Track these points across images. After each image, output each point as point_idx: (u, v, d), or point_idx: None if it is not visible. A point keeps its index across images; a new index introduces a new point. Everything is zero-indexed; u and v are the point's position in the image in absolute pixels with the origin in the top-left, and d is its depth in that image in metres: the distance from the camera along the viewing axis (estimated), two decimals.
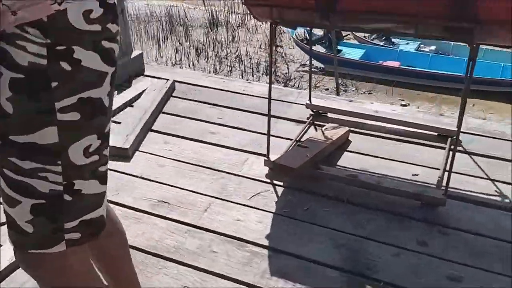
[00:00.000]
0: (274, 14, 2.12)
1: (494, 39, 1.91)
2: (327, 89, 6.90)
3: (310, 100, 2.93)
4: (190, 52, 7.87)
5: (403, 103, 6.67)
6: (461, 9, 1.75)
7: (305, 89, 5.50)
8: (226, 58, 7.69)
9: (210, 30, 8.72)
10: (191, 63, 7.47)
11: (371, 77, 7.37)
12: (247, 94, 3.23)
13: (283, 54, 7.84)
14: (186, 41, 8.31)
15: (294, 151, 2.44)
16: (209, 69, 7.27)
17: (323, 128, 2.69)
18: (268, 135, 2.39)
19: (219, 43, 8.19)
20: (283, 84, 6.69)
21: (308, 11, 2.02)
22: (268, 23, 2.20)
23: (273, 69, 7.42)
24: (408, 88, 7.23)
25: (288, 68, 7.43)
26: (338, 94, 5.82)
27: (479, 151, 2.58)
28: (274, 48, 2.03)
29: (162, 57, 7.75)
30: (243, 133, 2.81)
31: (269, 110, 2.37)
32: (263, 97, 3.18)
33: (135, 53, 3.52)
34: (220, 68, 7.34)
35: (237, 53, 7.81)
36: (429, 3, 1.79)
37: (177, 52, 7.83)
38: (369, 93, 7.03)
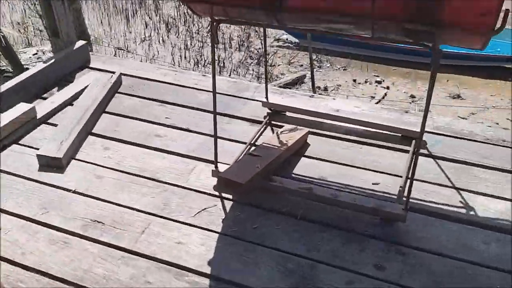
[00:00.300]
0: (216, 12, 1.86)
1: (458, 43, 1.70)
2: (301, 65, 6.68)
3: (266, 97, 2.70)
4: (160, 27, 7.50)
5: (378, 79, 6.50)
6: (423, 11, 1.52)
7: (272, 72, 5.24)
8: (198, 33, 7.36)
9: (181, 4, 8.32)
10: (161, 38, 7.12)
11: (346, 53, 7.16)
12: (201, 89, 2.98)
13: (256, 28, 7.52)
14: (156, 15, 7.92)
15: (244, 161, 2.22)
16: (179, 45, 6.94)
17: (279, 131, 2.47)
18: (215, 142, 2.16)
19: (190, 17, 7.82)
20: (256, 61, 6.39)
21: (253, 9, 1.77)
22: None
23: (246, 45, 7.18)
24: (384, 63, 7.05)
25: (261, 43, 7.14)
26: (312, 72, 5.59)
27: (445, 155, 2.40)
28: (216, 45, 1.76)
29: (131, 32, 7.37)
30: (192, 136, 2.57)
31: (215, 122, 2.13)
32: (218, 93, 2.93)
33: (78, 43, 3.21)
34: (191, 44, 7.01)
35: (208, 28, 7.46)
36: (386, 4, 1.56)
37: (146, 27, 7.46)
38: (344, 69, 6.82)
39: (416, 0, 1.51)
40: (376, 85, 4.71)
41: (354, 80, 4.62)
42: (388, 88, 4.57)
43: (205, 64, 4.84)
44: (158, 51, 5.22)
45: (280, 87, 4.28)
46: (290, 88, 4.33)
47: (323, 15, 1.67)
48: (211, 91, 2.95)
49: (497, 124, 5.37)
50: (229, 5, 1.79)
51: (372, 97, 5.58)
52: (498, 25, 1.48)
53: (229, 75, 4.46)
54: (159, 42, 7.09)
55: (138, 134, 2.58)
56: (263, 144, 2.34)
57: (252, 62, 6.30)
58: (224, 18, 1.92)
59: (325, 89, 4.52)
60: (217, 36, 1.91)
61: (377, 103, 3.66)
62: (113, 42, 7.10)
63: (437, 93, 6.18)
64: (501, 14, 1.47)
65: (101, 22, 7.46)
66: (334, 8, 1.63)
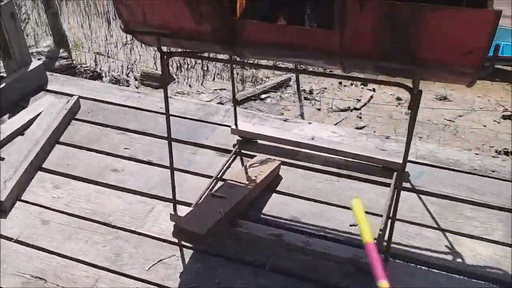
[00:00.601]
0: (167, 43, 1.63)
1: (441, 81, 1.48)
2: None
3: (236, 124, 2.47)
4: None
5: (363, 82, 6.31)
6: (398, 49, 1.31)
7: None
8: None
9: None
10: None
11: None
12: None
13: None
14: None
15: (206, 204, 1.98)
16: None
17: (248, 164, 2.24)
18: (172, 180, 1.92)
19: None
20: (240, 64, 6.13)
21: (206, 42, 1.55)
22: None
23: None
24: None
25: None
26: (297, 77, 5.32)
27: (429, 188, 2.19)
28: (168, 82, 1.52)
29: (112, 36, 7.08)
30: (153, 170, 2.34)
31: (171, 156, 1.90)
32: (184, 117, 2.71)
33: (34, 63, 2.96)
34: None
35: None
36: (355, 40, 1.34)
37: None
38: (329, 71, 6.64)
39: (390, 36, 1.29)
40: (362, 88, 4.52)
41: (340, 83, 4.44)
42: (374, 90, 4.39)
43: (188, 68, 4.63)
44: (140, 56, 4.98)
45: (264, 91, 4.07)
46: (275, 92, 4.12)
47: (284, 51, 1.45)
48: (177, 116, 2.75)
49: (485, 126, 5.21)
50: (178, 37, 1.56)
51: (358, 99, 5.42)
52: (487, 63, 1.27)
53: (213, 79, 4.26)
54: (141, 46, 6.81)
55: (93, 168, 2.34)
56: (229, 181, 2.10)
57: (236, 66, 6.07)
58: (176, 51, 1.69)
59: (311, 92, 4.32)
60: (169, 71, 1.68)
61: (361, 128, 3.46)
62: (93, 46, 6.81)
63: (424, 95, 5.96)
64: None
65: (82, 26, 7.18)
66: (297, 43, 1.41)
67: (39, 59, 4.40)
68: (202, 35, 1.52)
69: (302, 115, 3.47)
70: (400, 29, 1.28)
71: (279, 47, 1.46)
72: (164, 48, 1.63)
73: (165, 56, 1.62)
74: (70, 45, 4.68)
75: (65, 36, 4.75)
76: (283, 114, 3.55)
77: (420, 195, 2.16)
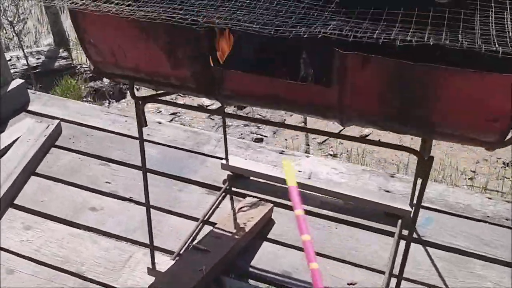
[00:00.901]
0: (141, 85, 1.44)
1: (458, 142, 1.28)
2: None
3: (226, 158, 2.26)
4: None
5: None
6: (408, 109, 1.10)
7: None
8: None
9: None
10: None
11: None
12: (153, 142, 2.53)
13: None
14: None
15: (187, 258, 1.78)
16: None
17: (238, 208, 2.03)
18: (150, 227, 1.72)
19: None
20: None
21: (185, 87, 1.35)
22: None
23: None
24: None
25: None
26: None
27: (438, 240, 1.98)
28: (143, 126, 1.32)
29: None
30: (134, 209, 2.14)
31: (147, 198, 1.70)
32: (172, 147, 2.51)
33: (14, 83, 2.76)
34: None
35: None
36: (356, 100, 1.13)
37: None
38: None
39: (399, 98, 1.08)
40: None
41: None
42: None
43: None
44: None
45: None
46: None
47: (273, 104, 1.25)
48: (165, 145, 2.55)
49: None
50: (154, 82, 1.36)
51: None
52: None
53: None
54: None
55: (70, 206, 2.14)
56: (216, 229, 1.90)
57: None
58: (155, 94, 1.49)
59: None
60: (145, 118, 1.48)
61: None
62: None
63: None
64: None
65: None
66: (288, 97, 1.21)
67: (38, 58, 4.22)
68: (181, 81, 1.32)
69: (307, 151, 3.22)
70: (411, 90, 1.07)
71: (268, 99, 1.25)
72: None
73: (139, 102, 1.43)
74: (71, 44, 4.48)
75: (66, 35, 4.56)
76: (286, 139, 3.31)
77: (427, 247, 1.95)
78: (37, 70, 3.99)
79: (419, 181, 2.11)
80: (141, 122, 1.46)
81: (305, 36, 1.00)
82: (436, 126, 1.12)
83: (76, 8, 1.18)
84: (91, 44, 1.33)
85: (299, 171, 2.32)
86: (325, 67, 1.15)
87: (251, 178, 2.27)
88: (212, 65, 1.24)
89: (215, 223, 2.01)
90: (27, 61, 3.89)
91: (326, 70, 1.14)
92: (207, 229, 2.02)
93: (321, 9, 1.14)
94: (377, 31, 0.98)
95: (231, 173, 2.28)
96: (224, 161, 2.26)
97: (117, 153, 2.45)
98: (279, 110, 1.39)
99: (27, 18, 4.97)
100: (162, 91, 1.48)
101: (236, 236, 1.86)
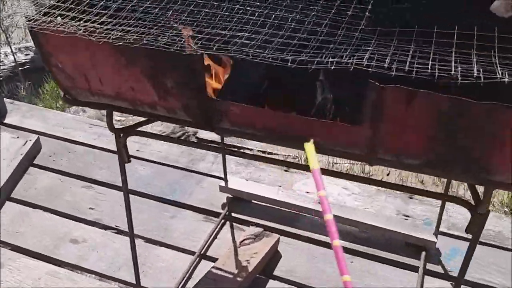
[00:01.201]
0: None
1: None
2: None
3: (225, 177, 2.01)
4: None
5: None
6: (459, 152, 0.86)
7: None
8: None
9: None
10: None
11: None
12: (143, 159, 2.28)
13: None
14: None
15: None
16: None
17: (240, 241, 1.79)
18: (136, 268, 1.48)
19: None
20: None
21: (176, 117, 1.09)
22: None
23: None
24: None
25: None
26: None
27: (467, 276, 1.73)
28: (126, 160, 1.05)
29: None
30: (120, 240, 1.89)
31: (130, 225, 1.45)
32: (165, 164, 2.26)
33: None
34: None
35: None
36: (391, 138, 0.88)
37: None
38: None
39: (448, 139, 0.83)
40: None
41: None
42: None
43: None
44: None
45: None
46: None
47: (281, 140, 1.00)
48: (156, 162, 2.29)
49: None
50: (139, 112, 1.11)
51: None
52: None
53: None
54: None
55: (48, 237, 1.89)
56: (214, 269, 1.66)
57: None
58: (134, 125, 1.23)
59: None
60: (127, 152, 1.22)
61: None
62: None
63: None
64: None
65: None
66: (303, 132, 0.96)
67: (27, 54, 3.95)
68: (171, 111, 1.06)
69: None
70: (468, 131, 0.83)
71: (276, 133, 1.00)
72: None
73: (120, 135, 1.17)
74: None
75: None
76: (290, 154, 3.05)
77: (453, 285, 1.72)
78: (26, 67, 3.73)
79: (447, 205, 1.92)
80: (123, 157, 1.21)
81: (333, 68, 0.74)
82: (498, 173, 0.88)
83: (34, 28, 0.92)
84: (58, 69, 1.07)
85: (307, 192, 2.08)
86: (352, 98, 0.90)
87: (253, 201, 2.03)
88: (207, 94, 0.98)
89: (214, 258, 1.77)
90: (14, 58, 3.63)
91: (354, 102, 0.89)
92: (204, 264, 1.78)
93: (348, 27, 0.88)
94: (429, 62, 0.73)
95: (230, 196, 2.04)
96: (222, 183, 2.01)
97: (102, 173, 2.19)
98: (290, 147, 1.15)
99: (14, 13, 4.70)
100: (147, 118, 1.23)
101: (238, 278, 1.62)
